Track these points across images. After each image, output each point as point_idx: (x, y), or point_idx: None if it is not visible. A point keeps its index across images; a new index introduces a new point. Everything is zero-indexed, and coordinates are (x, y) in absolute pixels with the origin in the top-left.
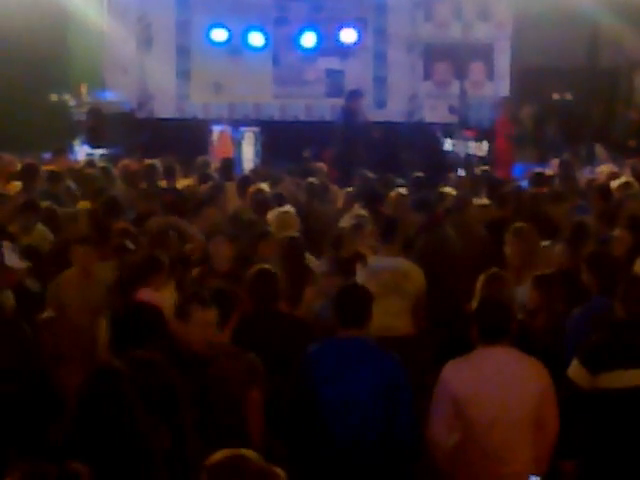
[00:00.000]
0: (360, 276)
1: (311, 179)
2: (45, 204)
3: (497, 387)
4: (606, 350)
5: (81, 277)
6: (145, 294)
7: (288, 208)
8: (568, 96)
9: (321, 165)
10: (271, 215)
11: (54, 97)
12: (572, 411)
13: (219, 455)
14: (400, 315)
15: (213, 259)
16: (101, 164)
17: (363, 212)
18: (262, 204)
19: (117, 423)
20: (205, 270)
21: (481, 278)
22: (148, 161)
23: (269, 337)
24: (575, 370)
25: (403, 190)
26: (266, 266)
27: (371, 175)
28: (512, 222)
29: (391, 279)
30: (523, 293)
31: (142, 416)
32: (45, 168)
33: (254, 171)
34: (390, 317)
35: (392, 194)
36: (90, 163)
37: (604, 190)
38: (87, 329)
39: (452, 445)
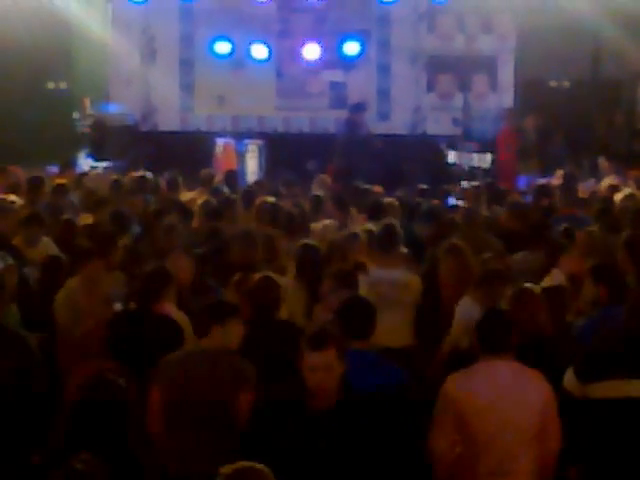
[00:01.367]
0: (360, 288)
1: (317, 192)
2: (65, 217)
3: (499, 399)
4: (597, 360)
5: (87, 288)
6: (166, 307)
7: (329, 222)
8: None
9: (324, 177)
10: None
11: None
12: (568, 418)
13: (234, 466)
14: (400, 327)
15: (175, 274)
16: (114, 177)
17: (368, 225)
18: (269, 216)
19: (105, 428)
20: None
21: (508, 293)
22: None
23: (268, 345)
24: (568, 378)
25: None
26: (268, 274)
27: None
28: (523, 234)
29: (390, 291)
30: (464, 306)
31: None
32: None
33: (258, 183)
34: (390, 329)
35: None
36: (93, 176)
37: (607, 203)
38: (92, 338)
39: (455, 458)
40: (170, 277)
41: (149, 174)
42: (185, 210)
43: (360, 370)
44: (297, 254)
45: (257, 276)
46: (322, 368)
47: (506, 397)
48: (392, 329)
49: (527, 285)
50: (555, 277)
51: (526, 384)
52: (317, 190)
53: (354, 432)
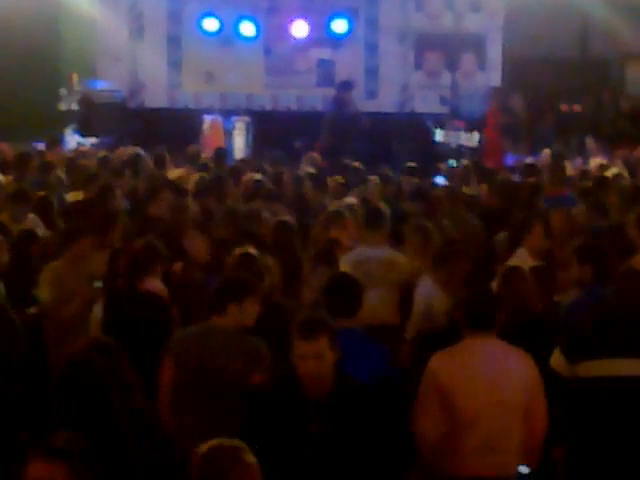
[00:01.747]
0: (345, 266)
1: (309, 169)
2: (40, 194)
3: (484, 377)
4: (585, 339)
5: (73, 267)
6: (152, 284)
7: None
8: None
9: (314, 155)
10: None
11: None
12: (555, 399)
13: (209, 444)
14: (385, 305)
15: (190, 253)
16: (102, 154)
17: (353, 201)
18: (256, 193)
19: (90, 404)
20: (185, 264)
21: (499, 272)
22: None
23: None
24: (555, 358)
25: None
26: (248, 250)
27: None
28: (505, 212)
29: (377, 269)
30: (424, 287)
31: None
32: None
33: (243, 161)
34: (375, 307)
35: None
36: (82, 153)
37: (598, 182)
38: (79, 317)
39: (439, 436)
40: (157, 253)
41: (139, 150)
42: (178, 189)
43: (350, 354)
44: (273, 229)
45: (236, 252)
46: (312, 357)
47: (491, 375)
48: (377, 307)
49: (516, 265)
50: (520, 257)
51: (511, 362)
52: (306, 168)
53: (347, 422)
